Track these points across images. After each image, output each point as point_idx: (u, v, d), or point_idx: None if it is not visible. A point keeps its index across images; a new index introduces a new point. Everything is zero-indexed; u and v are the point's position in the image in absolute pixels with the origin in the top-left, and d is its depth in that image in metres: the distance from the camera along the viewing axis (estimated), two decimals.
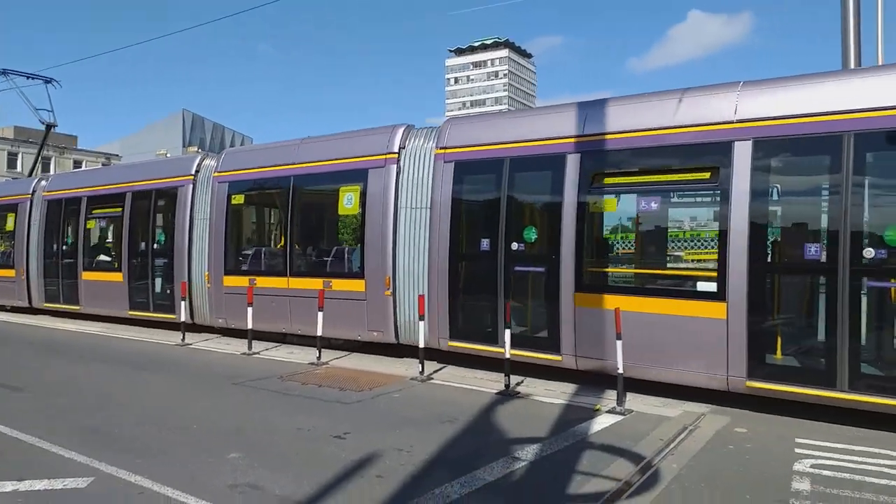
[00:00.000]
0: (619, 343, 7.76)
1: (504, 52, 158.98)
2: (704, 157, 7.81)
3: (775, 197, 7.58)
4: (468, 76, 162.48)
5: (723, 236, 7.58)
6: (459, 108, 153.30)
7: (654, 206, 8.52)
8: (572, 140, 8.80)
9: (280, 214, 12.67)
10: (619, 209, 8.99)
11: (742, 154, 7.47)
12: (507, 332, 8.69)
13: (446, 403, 8.13)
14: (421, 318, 9.58)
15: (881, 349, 7.12)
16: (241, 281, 12.44)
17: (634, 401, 8.06)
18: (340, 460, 5.86)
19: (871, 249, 6.79)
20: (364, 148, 11.10)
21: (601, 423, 7.23)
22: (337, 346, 11.58)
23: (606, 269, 9.12)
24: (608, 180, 8.65)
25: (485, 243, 9.56)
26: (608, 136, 8.52)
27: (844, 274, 6.89)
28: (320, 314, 10.67)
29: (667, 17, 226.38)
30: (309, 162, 11.87)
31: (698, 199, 8.88)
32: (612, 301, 8.29)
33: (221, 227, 13.00)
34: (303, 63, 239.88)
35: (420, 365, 9.63)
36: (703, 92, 8.07)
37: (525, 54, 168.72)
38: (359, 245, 11.15)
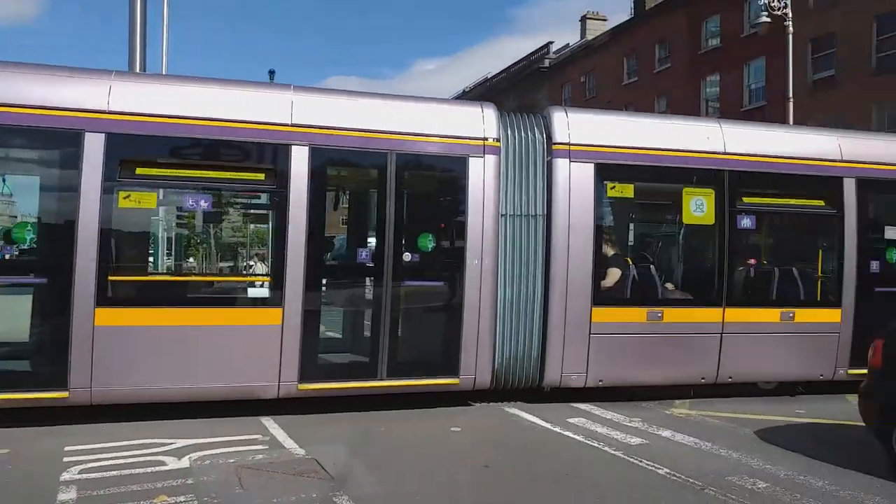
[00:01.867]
0: None
1: None
2: (261, 157, 7.50)
3: (331, 203, 7.66)
4: None
5: (279, 241, 7.34)
6: None
7: (204, 205, 7.67)
8: (95, 115, 7.01)
9: None
10: (161, 207, 7.86)
11: (300, 159, 7.32)
12: None
13: None
14: None
15: (411, 339, 8.00)
16: None
17: None
18: None
19: (408, 254, 7.66)
20: None
21: None
22: None
23: (143, 278, 7.91)
24: (145, 171, 7.26)
25: None
26: (148, 119, 7.16)
27: (388, 276, 7.56)
28: None
29: None
30: None
31: (254, 202, 8.29)
32: (150, 316, 7.21)
33: None
34: None
35: None
36: (256, 88, 7.78)
37: None
38: None
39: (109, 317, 7.01)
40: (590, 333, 8.01)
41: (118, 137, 7.05)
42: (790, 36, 18.68)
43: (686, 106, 30.53)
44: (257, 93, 7.72)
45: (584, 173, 8.01)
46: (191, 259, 8.19)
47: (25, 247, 7.28)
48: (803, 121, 19.59)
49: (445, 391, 7.74)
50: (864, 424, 6.16)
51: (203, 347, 7.20)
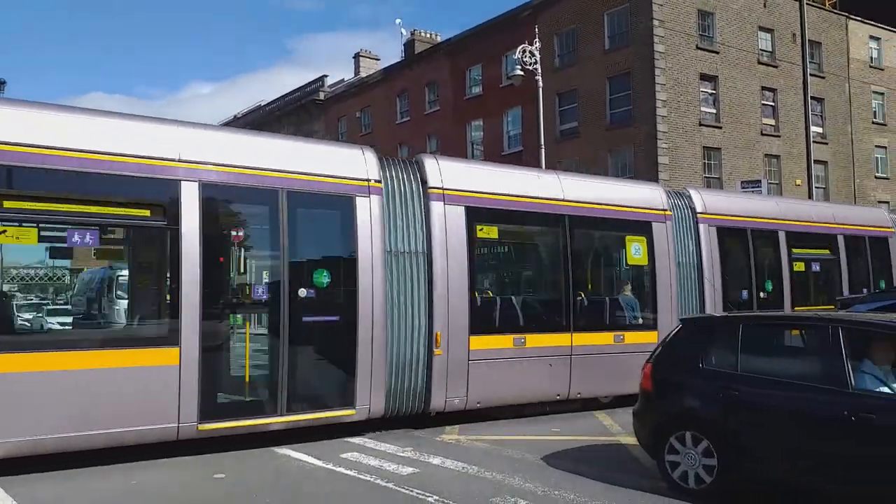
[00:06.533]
0: None
1: None
2: None
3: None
4: None
5: None
6: None
7: None
8: None
9: None
10: None
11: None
12: None
13: None
14: None
15: (314, 373, 8.18)
16: None
17: None
18: None
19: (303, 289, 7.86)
20: None
21: None
22: None
23: None
24: None
25: None
26: None
27: (285, 310, 7.68)
28: None
29: None
30: None
31: None
32: None
33: None
34: None
35: None
36: None
37: None
38: None
39: None
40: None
41: None
42: (540, 90, 20.88)
43: (454, 147, 32.46)
44: None
45: (457, 214, 8.80)
46: None
47: None
48: (553, 165, 21.85)
49: (339, 423, 8.00)
50: (616, 440, 6.82)
51: None
